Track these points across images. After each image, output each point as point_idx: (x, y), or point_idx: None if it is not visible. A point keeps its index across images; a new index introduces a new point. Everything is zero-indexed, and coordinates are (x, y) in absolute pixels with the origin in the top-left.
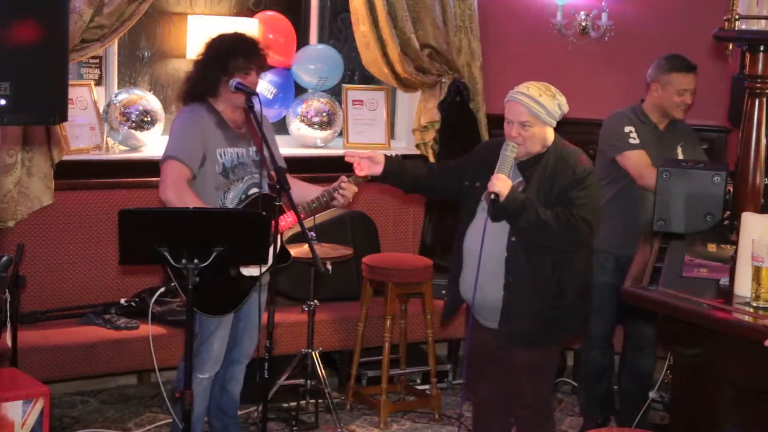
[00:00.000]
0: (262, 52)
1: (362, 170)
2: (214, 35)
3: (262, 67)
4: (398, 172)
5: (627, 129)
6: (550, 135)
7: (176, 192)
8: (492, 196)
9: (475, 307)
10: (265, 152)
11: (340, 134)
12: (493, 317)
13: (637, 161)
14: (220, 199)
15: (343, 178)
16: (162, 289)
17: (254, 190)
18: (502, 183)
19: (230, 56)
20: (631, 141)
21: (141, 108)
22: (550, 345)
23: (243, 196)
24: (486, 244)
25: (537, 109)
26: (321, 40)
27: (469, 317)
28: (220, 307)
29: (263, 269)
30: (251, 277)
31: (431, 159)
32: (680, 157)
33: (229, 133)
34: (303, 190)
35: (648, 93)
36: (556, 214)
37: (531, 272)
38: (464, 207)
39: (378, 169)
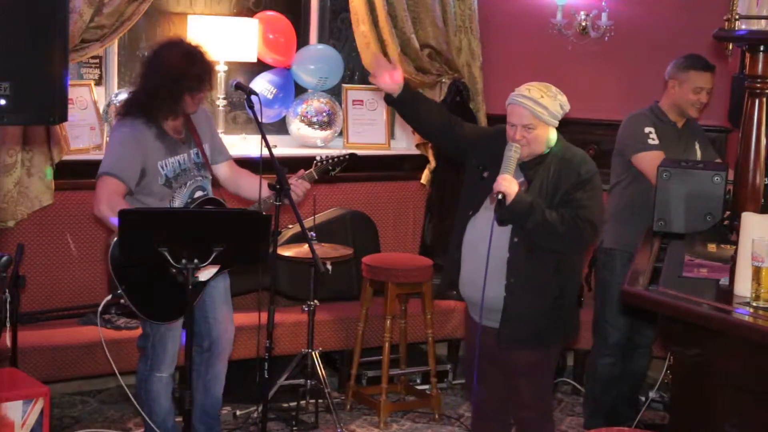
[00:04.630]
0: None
1: (383, 81)
2: (160, 50)
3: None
4: (407, 105)
5: (647, 130)
6: (552, 135)
7: (110, 206)
8: (499, 196)
9: (475, 307)
10: (266, 152)
11: (340, 134)
12: (494, 317)
13: (653, 161)
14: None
15: (299, 173)
16: (109, 297)
17: (199, 192)
18: (508, 183)
19: (187, 76)
20: (650, 141)
21: None
22: (551, 346)
23: (188, 200)
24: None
25: (539, 111)
26: (321, 40)
27: (467, 318)
28: (167, 314)
29: (207, 275)
30: (198, 283)
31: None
32: (699, 154)
33: (168, 141)
34: (253, 184)
35: (665, 91)
36: (562, 216)
37: (533, 273)
38: (468, 193)
39: (394, 88)
